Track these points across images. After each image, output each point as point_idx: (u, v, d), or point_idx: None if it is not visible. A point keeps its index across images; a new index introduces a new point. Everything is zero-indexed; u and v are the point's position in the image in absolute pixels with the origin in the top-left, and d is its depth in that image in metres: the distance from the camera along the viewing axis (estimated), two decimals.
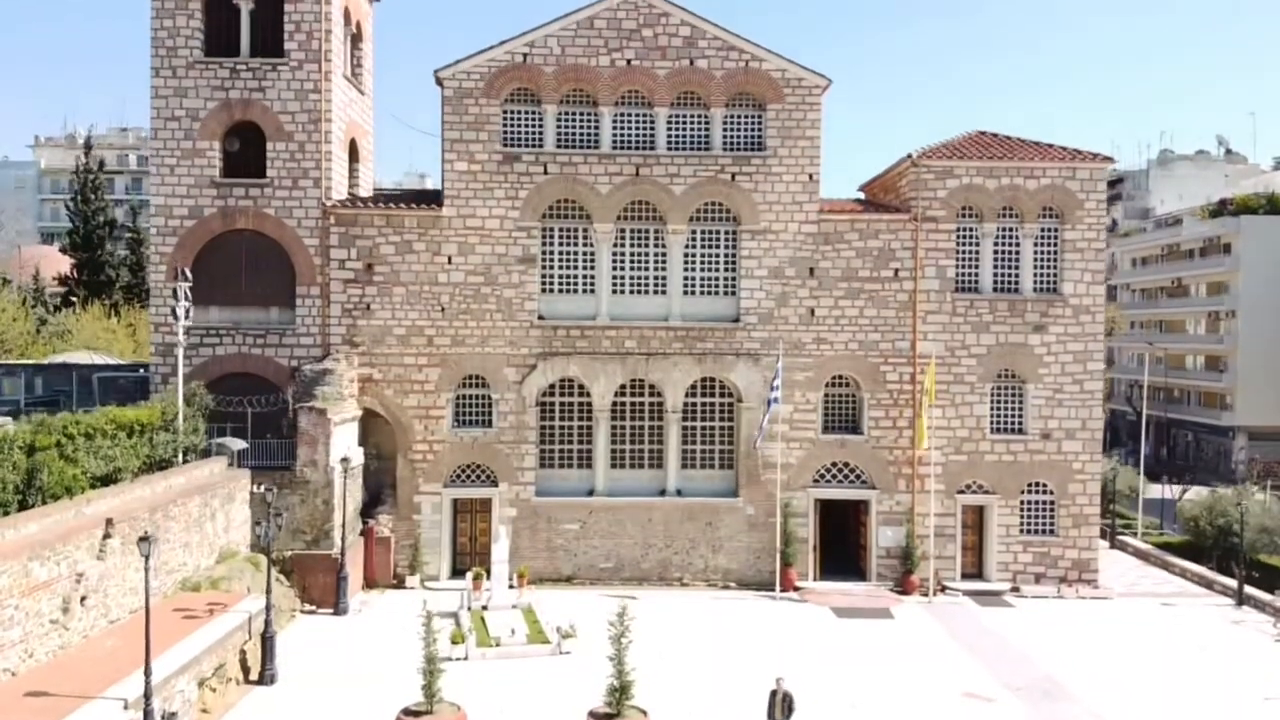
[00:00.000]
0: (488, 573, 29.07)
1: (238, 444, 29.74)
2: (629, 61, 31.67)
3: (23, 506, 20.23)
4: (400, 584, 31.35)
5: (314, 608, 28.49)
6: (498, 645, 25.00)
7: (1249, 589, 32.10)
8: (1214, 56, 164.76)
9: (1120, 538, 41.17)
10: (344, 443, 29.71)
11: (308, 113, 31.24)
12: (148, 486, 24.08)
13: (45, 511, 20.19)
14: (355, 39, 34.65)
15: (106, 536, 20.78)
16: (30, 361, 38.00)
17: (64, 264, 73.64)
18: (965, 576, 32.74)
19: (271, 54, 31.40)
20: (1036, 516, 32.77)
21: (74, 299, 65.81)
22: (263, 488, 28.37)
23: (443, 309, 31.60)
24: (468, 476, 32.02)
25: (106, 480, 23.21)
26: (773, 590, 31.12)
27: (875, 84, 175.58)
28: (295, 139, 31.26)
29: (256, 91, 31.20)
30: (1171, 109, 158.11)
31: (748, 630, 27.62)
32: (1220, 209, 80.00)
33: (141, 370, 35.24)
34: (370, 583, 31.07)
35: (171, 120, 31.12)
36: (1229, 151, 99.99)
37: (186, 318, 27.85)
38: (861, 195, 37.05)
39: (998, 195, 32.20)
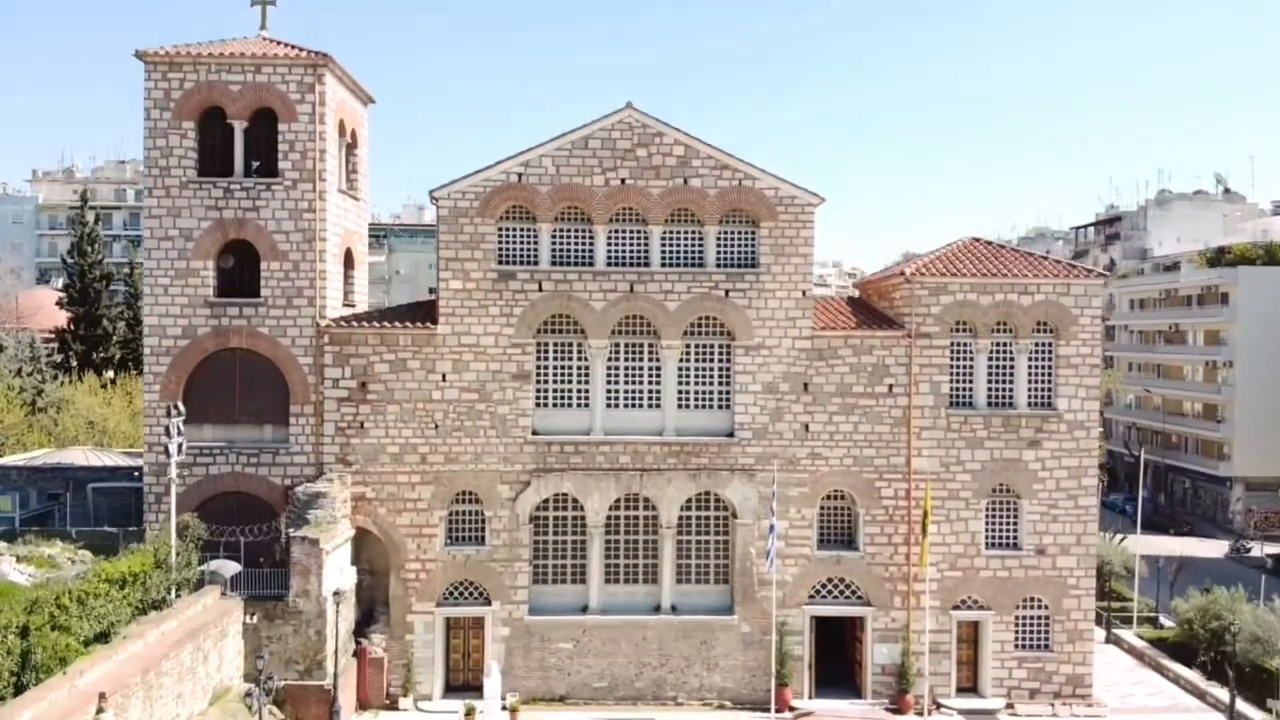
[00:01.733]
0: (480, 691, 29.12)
1: (230, 568, 29.63)
2: (623, 180, 31.68)
3: (18, 689, 20.18)
4: (393, 705, 31.26)
5: None
6: None
7: (1240, 704, 32.03)
8: (1214, 93, 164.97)
9: (1116, 631, 41.08)
10: (337, 568, 29.64)
11: (302, 232, 31.24)
12: (140, 640, 24.00)
13: (39, 694, 20.12)
14: (350, 147, 34.66)
15: (100, 711, 20.75)
16: (24, 461, 37.75)
17: (61, 312, 73.27)
18: (960, 691, 32.66)
19: (265, 173, 31.46)
20: (1031, 632, 32.71)
21: (71, 357, 65.91)
22: (254, 617, 28.52)
23: (436, 426, 31.57)
24: (461, 595, 31.95)
25: (100, 636, 23.19)
26: (768, 709, 31.05)
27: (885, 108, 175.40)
28: (290, 258, 31.26)
29: (250, 211, 31.20)
30: (1170, 146, 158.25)
31: None
32: (1218, 257, 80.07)
33: (136, 474, 35.16)
34: (363, 704, 30.99)
35: (165, 240, 31.12)
36: (1227, 191, 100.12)
37: (180, 452, 27.82)
38: (855, 292, 37.07)
39: (991, 311, 32.19)
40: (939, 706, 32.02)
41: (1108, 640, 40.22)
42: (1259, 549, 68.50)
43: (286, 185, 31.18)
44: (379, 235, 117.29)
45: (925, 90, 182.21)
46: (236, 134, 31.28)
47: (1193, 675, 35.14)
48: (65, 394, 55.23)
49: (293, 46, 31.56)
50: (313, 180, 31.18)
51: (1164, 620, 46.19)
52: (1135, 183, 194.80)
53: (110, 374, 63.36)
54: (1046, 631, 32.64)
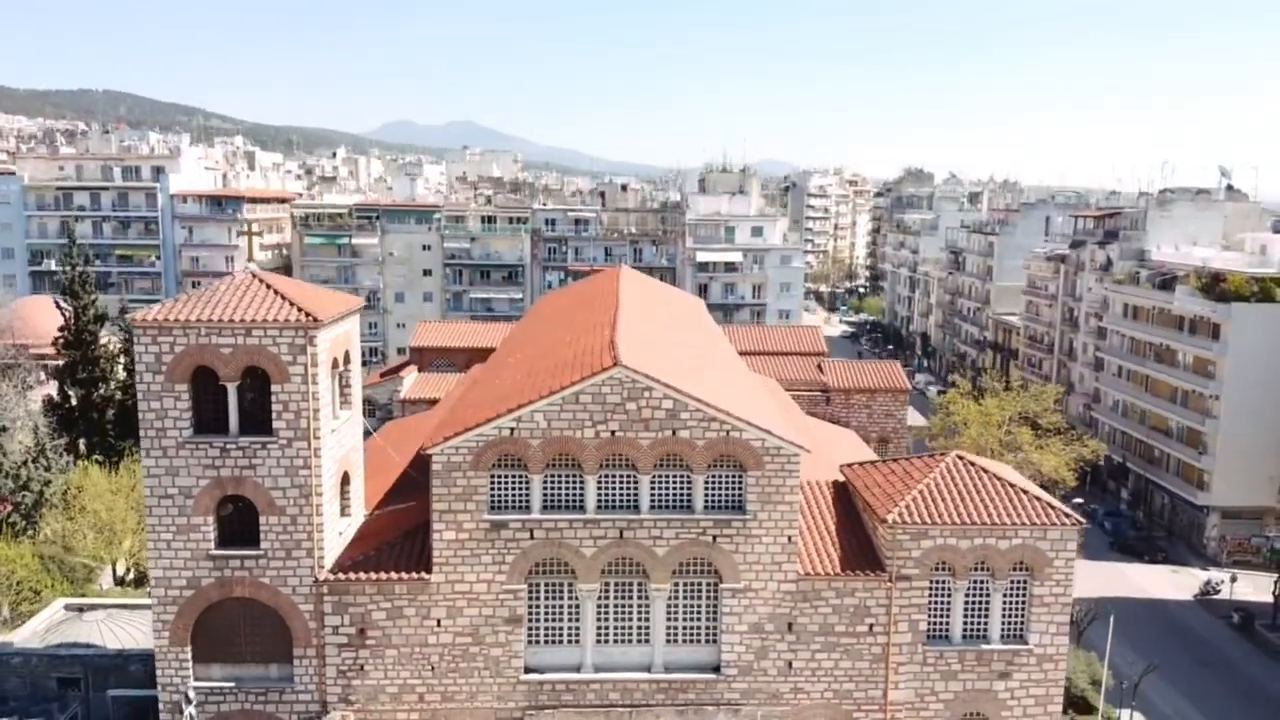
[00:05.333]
0: None
1: None
2: (613, 432, 32.17)
3: None
4: None
5: None
6: None
7: None
8: (1221, 83, 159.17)
9: None
10: None
11: (298, 488, 31.89)
12: None
13: None
14: (345, 360, 34.82)
15: None
16: (42, 649, 39.06)
17: (57, 317, 72.39)
18: None
19: (260, 431, 31.82)
20: None
21: (71, 424, 66.91)
22: None
23: (432, 668, 33.01)
24: None
25: None
26: None
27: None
28: (287, 513, 32.02)
29: (247, 469, 31.76)
30: (1176, 137, 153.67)
31: None
32: (1213, 284, 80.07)
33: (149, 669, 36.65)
34: None
35: (165, 498, 31.78)
36: (1230, 188, 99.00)
37: None
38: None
39: (970, 554, 33.22)
40: None
41: None
42: (1228, 588, 71.15)
43: (282, 444, 31.64)
44: (371, 216, 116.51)
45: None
46: (230, 395, 31.55)
47: None
48: (72, 480, 56.28)
49: (285, 303, 31.42)
50: (307, 439, 31.65)
51: None
52: (1138, 180, 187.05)
53: (115, 455, 64.21)
54: None
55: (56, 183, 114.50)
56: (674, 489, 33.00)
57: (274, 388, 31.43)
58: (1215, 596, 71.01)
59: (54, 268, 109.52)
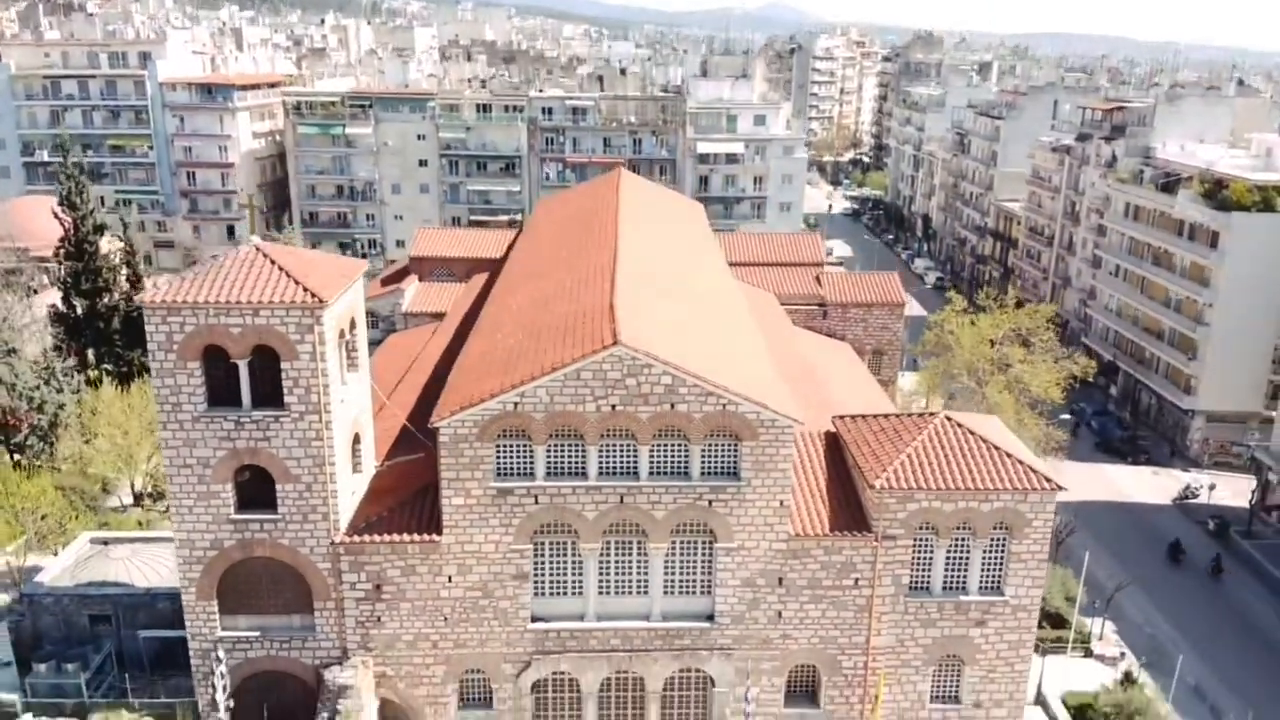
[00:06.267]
0: None
1: None
2: (614, 407, 33.30)
3: None
4: None
5: None
6: None
7: None
8: None
9: (1044, 692, 46.75)
10: None
11: (312, 458, 33.27)
12: None
13: None
14: (351, 328, 35.57)
15: None
16: (73, 589, 41.16)
17: (55, 225, 72.22)
18: None
19: (274, 404, 32.90)
20: None
21: (78, 339, 67.86)
22: None
23: (445, 619, 35.26)
24: None
25: None
26: None
27: None
28: (302, 480, 33.51)
29: (262, 441, 33.04)
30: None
31: None
32: (1216, 189, 79.60)
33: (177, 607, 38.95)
34: None
35: (184, 468, 33.20)
36: (1241, 82, 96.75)
37: (225, 694, 31.73)
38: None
39: (954, 516, 34.93)
40: None
41: (1036, 701, 46.11)
42: (1206, 493, 73.88)
43: (294, 417, 32.81)
44: (364, 105, 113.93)
45: None
46: (241, 371, 32.49)
47: None
48: (86, 403, 57.68)
49: (291, 282, 31.92)
50: (319, 412, 32.79)
51: (1096, 649, 52.20)
52: (1148, 82, 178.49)
53: (123, 365, 65.42)
54: None
55: (43, 70, 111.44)
56: (672, 457, 34.42)
57: (284, 364, 32.35)
58: (1194, 501, 73.77)
59: (46, 158, 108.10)
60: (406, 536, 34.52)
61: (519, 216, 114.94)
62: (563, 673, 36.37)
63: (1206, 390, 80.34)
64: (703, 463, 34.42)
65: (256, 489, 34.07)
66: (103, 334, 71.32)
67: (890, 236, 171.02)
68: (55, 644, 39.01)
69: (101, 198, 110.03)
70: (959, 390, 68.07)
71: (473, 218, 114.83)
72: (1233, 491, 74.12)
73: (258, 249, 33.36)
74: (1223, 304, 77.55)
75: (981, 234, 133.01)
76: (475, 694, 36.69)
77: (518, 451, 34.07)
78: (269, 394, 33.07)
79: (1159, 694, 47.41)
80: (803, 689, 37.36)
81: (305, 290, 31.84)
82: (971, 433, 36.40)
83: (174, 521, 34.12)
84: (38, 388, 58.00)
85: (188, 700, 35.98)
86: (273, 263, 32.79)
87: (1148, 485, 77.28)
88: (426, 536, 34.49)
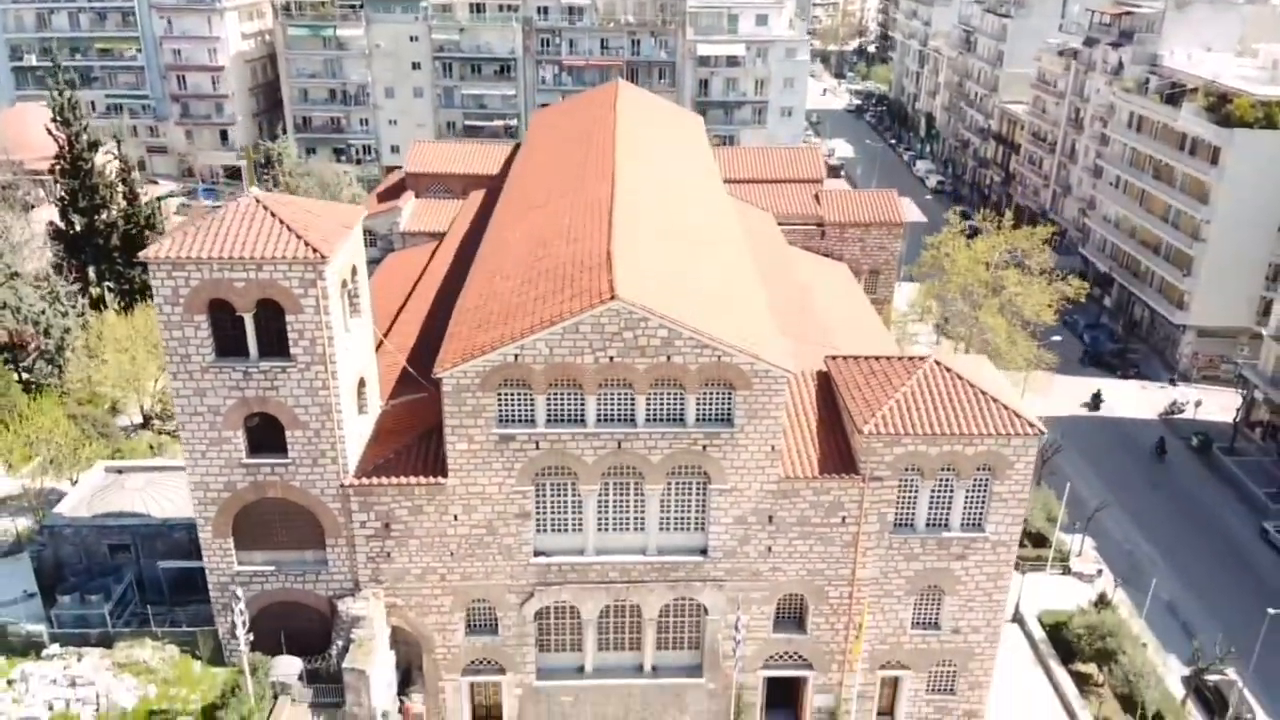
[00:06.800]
0: None
1: (293, 666, 36.85)
2: (611, 358, 34.17)
3: None
4: None
5: None
6: None
7: None
8: None
9: (1021, 611, 49.13)
10: (383, 682, 36.72)
11: (319, 406, 34.34)
12: None
13: None
14: (354, 273, 36.16)
15: None
16: (92, 520, 42.66)
17: (48, 142, 71.72)
18: (881, 714, 41.38)
19: (280, 354, 33.75)
20: (940, 681, 40.62)
21: (78, 257, 68.13)
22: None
23: (452, 554, 36.97)
24: (480, 667, 39.28)
25: None
26: None
27: None
28: (311, 426, 34.67)
29: (270, 390, 34.04)
30: None
31: None
32: (1220, 103, 78.71)
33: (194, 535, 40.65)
34: None
35: (196, 415, 34.31)
36: None
37: (245, 628, 33.67)
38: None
39: (939, 458, 36.24)
40: None
41: (1014, 619, 48.57)
42: (1192, 409, 75.62)
43: (300, 367, 33.73)
44: (355, 4, 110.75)
45: None
46: (247, 324, 33.21)
47: (1069, 693, 43.68)
48: (92, 329, 58.40)
49: (292, 237, 32.34)
50: (324, 362, 33.70)
51: (1075, 567, 54.52)
52: None
53: (125, 283, 65.89)
54: (953, 682, 40.56)
55: None
56: (668, 405, 35.48)
57: (288, 317, 33.08)
58: (1179, 416, 75.52)
59: (35, 63, 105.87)
60: (413, 479, 35.90)
61: (514, 123, 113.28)
62: (564, 602, 38.35)
63: (1199, 306, 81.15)
64: (698, 410, 35.53)
65: (267, 434, 35.25)
66: (102, 251, 71.69)
67: (892, 138, 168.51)
68: (76, 574, 40.87)
69: (92, 102, 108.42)
70: (953, 313, 68.87)
71: (467, 122, 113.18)
72: (1219, 406, 75.81)
73: (257, 200, 33.66)
74: (1220, 221, 77.60)
75: (984, 137, 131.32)
76: (481, 621, 38.75)
77: (519, 400, 35.13)
78: (275, 344, 33.89)
79: (1134, 612, 49.94)
80: (791, 616, 39.43)
81: (307, 245, 32.30)
82: (959, 377, 37.40)
83: (188, 466, 35.42)
84: (43, 312, 58.74)
85: (208, 629, 38.03)
86: (273, 215, 33.14)
87: (1136, 399, 78.90)
88: (432, 479, 35.87)
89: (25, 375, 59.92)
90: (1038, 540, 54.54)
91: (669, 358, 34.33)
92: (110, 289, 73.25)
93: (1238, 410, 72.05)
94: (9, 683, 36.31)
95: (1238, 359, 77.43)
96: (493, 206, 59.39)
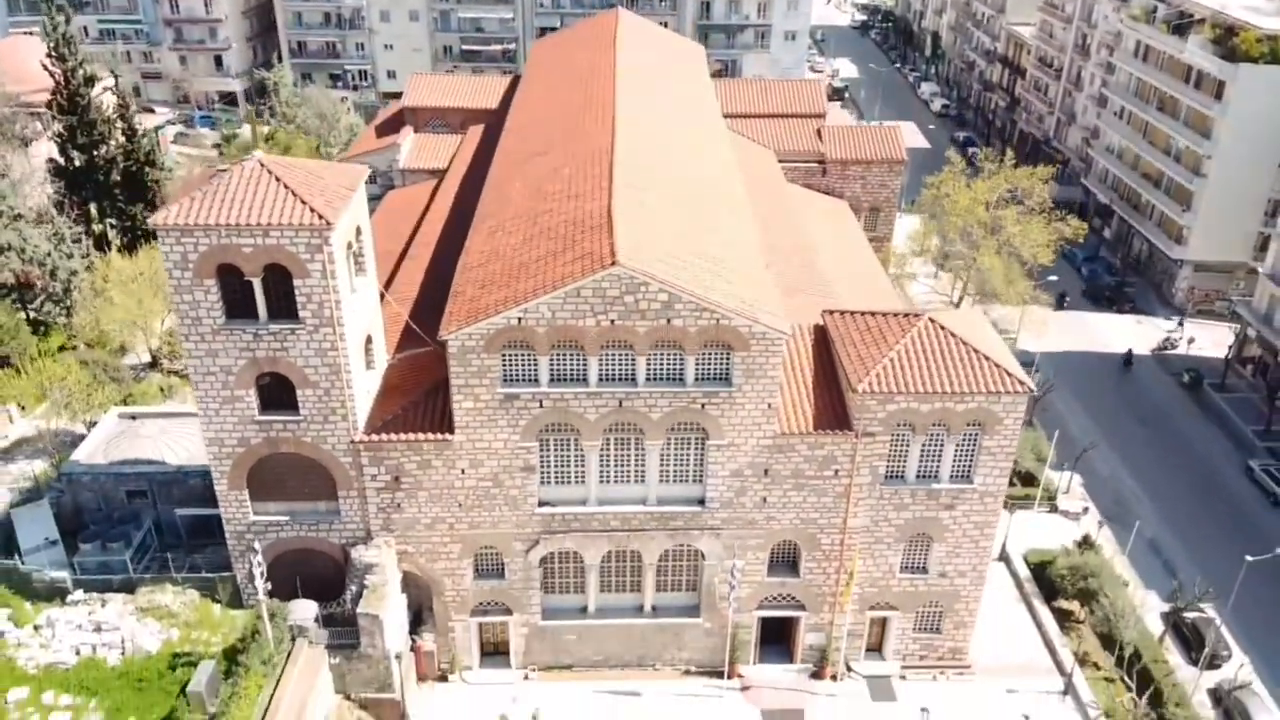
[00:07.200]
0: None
1: (309, 610, 38.64)
2: (613, 321, 34.97)
3: None
4: (444, 678, 42.04)
5: None
6: None
7: (1079, 677, 42.94)
8: None
9: (1008, 549, 50.87)
10: (395, 624, 38.56)
11: (328, 366, 35.29)
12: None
13: None
14: (358, 233, 36.69)
15: None
16: (109, 468, 43.89)
17: (42, 55, 70.94)
18: (869, 651, 43.46)
19: (289, 316, 34.52)
20: (927, 621, 42.57)
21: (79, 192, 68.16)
22: (338, 659, 38.09)
23: (460, 504, 38.41)
24: (488, 608, 41.15)
25: None
26: (722, 677, 42.07)
27: None
28: (321, 386, 35.68)
29: (280, 351, 34.94)
30: None
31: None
32: (1227, 35, 77.57)
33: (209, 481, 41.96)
34: (421, 678, 41.69)
35: (209, 375, 35.29)
36: None
37: (262, 576, 35.28)
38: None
39: (930, 415, 37.36)
40: (850, 670, 42.98)
41: (1000, 558, 50.36)
42: (1185, 345, 76.57)
43: (309, 329, 34.56)
44: None
45: None
46: (255, 288, 33.91)
47: (1051, 632, 45.61)
48: (101, 270, 58.80)
49: (297, 202, 32.79)
50: (332, 325, 34.51)
51: (1061, 505, 56.16)
52: None
53: (126, 219, 66.07)
54: (939, 621, 42.52)
55: None
56: (668, 365, 36.44)
57: (296, 282, 33.77)
58: (1172, 352, 76.43)
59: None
60: (421, 435, 37.08)
61: (513, 47, 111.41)
62: (567, 549, 39.96)
63: (1197, 241, 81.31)
64: (696, 369, 36.49)
65: (279, 391, 36.28)
66: (103, 187, 71.69)
67: (898, 58, 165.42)
68: (96, 521, 42.35)
69: (84, 28, 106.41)
70: (952, 252, 69.26)
71: (464, 47, 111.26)
72: (1212, 342, 76.67)
73: (261, 164, 33.99)
74: (1222, 157, 77.22)
75: (990, 59, 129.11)
76: (489, 566, 40.44)
77: (523, 360, 36.06)
78: (284, 305, 34.64)
79: (1117, 549, 51.74)
80: (785, 561, 41.10)
81: (312, 211, 32.79)
82: (952, 335, 38.25)
83: (203, 422, 36.54)
84: (49, 254, 59.18)
85: (226, 574, 39.71)
86: (278, 180, 33.53)
87: (1130, 334, 79.68)
88: (440, 435, 37.05)
89: (33, 315, 60.71)
90: (1026, 479, 56.05)
91: (669, 321, 35.14)
92: (113, 225, 73.47)
93: (1230, 347, 72.95)
94: (36, 628, 38.09)
95: (1233, 295, 77.96)
96: (492, 146, 59.35)
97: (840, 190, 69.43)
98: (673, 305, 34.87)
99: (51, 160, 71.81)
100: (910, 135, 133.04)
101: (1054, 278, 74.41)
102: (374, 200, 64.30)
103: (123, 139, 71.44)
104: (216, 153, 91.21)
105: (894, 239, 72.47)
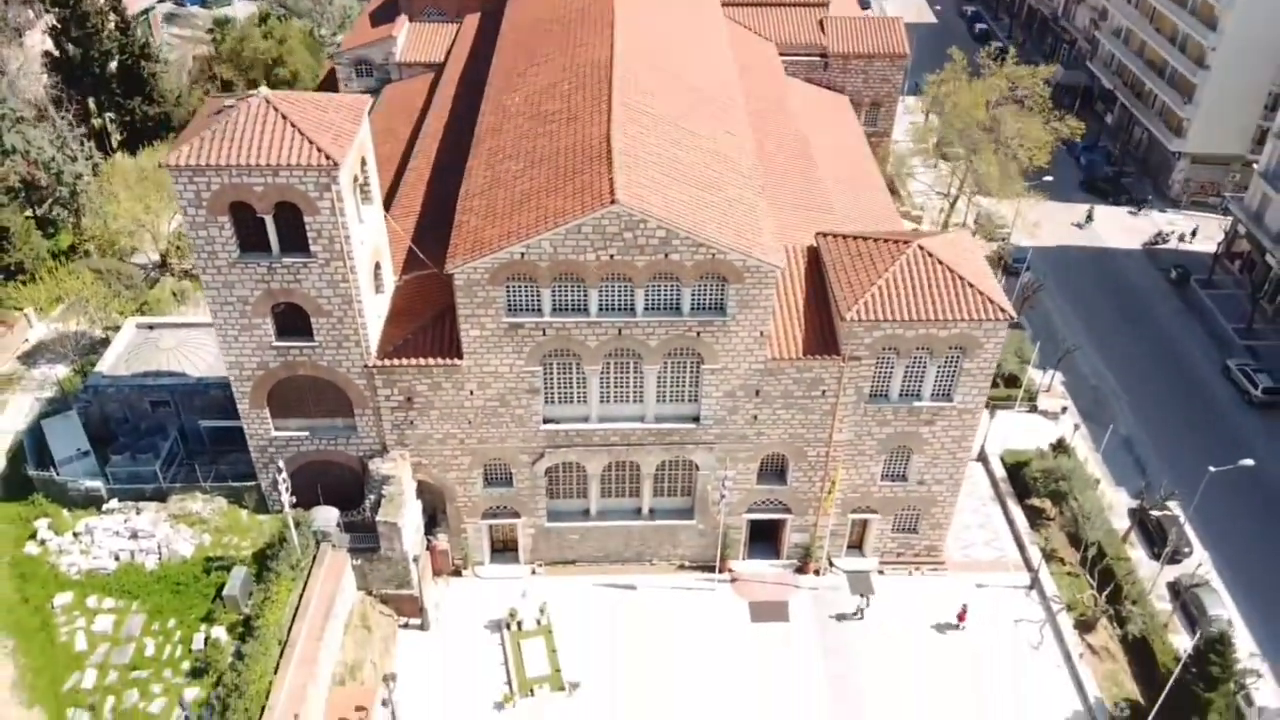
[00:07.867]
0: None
1: (331, 517, 41.66)
2: (612, 256, 36.36)
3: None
4: (457, 572, 45.55)
5: (406, 622, 43.16)
6: (533, 694, 40.48)
7: (1045, 573, 46.41)
8: None
9: (987, 449, 53.59)
10: (412, 528, 41.59)
11: (340, 296, 36.92)
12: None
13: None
14: (363, 164, 37.63)
15: None
16: (133, 380, 45.82)
17: None
18: (850, 548, 46.85)
19: (300, 249, 35.87)
20: (904, 522, 45.72)
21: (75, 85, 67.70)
22: (360, 561, 41.38)
23: (469, 422, 40.79)
24: (498, 512, 44.19)
25: None
26: (713, 572, 45.60)
27: None
28: (334, 315, 37.41)
29: (293, 282, 36.49)
30: None
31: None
32: None
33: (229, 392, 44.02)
34: (437, 572, 45.19)
35: (226, 305, 36.95)
36: None
37: (291, 504, 38.01)
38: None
39: (915, 341, 39.25)
40: (831, 565, 46.47)
41: (978, 458, 53.23)
42: (1176, 241, 77.62)
43: (320, 263, 36.00)
44: None
45: None
46: (268, 224, 35.15)
47: (1021, 530, 48.89)
48: (107, 175, 59.34)
49: (305, 142, 33.65)
50: (343, 259, 35.94)
51: (1041, 405, 58.66)
52: None
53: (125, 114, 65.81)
54: (916, 523, 45.67)
55: None
56: (665, 296, 38.05)
57: (306, 218, 35.00)
58: (1163, 246, 77.49)
59: None
60: (431, 360, 39.07)
61: None
62: (571, 461, 42.63)
63: (1196, 134, 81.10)
64: (693, 300, 38.14)
65: (294, 318, 38.01)
66: (101, 81, 71.26)
67: None
68: (124, 433, 44.72)
69: None
70: (950, 152, 69.46)
71: None
72: (1204, 236, 77.65)
73: (267, 101, 34.64)
74: (1225, 49, 76.22)
75: None
76: (497, 476, 43.20)
77: (526, 292, 37.66)
78: (296, 238, 35.95)
79: (1091, 449, 54.56)
80: (773, 470, 43.85)
81: (319, 151, 33.69)
82: (940, 263, 39.68)
83: (222, 348, 38.45)
84: (53, 157, 59.60)
85: (251, 483, 42.46)
86: (284, 118, 34.26)
87: (1123, 227, 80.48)
88: (448, 360, 39.05)
89: (41, 214, 61.64)
90: (1010, 380, 58.38)
91: (666, 255, 36.55)
92: (112, 120, 73.31)
93: (1219, 244, 74.01)
94: (75, 535, 41.05)
95: (1226, 190, 78.38)
96: (488, 40, 59.00)
97: (841, 84, 69.03)
98: (670, 241, 36.21)
99: (47, 53, 71.03)
100: (918, 10, 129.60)
101: (1049, 178, 74.55)
102: (371, 94, 64.08)
103: (117, 32, 70.49)
104: (210, 38, 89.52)
105: (894, 133, 72.48)
